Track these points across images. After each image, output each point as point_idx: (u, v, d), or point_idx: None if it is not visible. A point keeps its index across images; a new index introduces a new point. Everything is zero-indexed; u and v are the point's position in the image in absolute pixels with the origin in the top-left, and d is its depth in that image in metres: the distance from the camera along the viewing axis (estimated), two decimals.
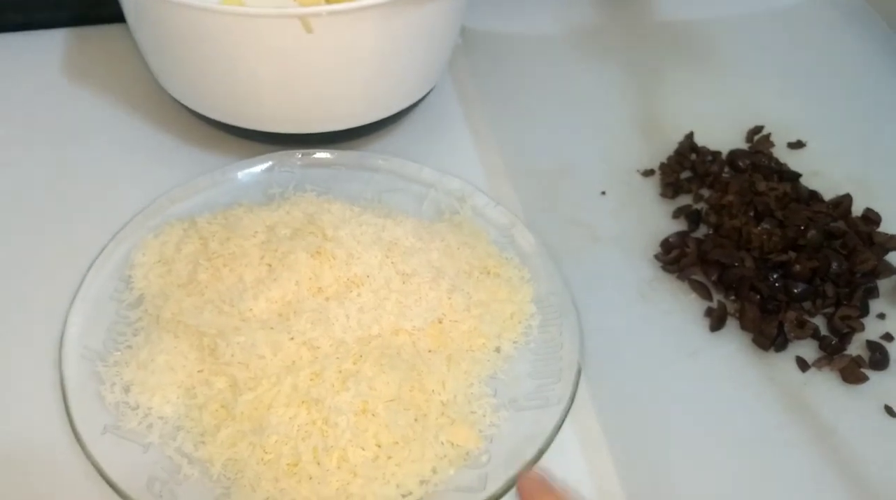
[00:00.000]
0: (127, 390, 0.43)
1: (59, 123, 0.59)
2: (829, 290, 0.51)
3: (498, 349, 0.47)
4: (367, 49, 0.50)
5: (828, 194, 0.57)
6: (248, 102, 0.53)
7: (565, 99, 0.65)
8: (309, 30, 0.47)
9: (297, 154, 0.56)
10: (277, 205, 0.51)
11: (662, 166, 0.60)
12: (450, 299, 0.47)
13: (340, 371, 0.42)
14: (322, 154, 0.56)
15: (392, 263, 0.47)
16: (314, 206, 0.51)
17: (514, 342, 0.47)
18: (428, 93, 0.59)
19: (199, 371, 0.43)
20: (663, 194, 0.58)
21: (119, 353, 0.45)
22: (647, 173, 0.60)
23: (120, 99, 0.61)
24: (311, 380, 0.42)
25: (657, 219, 0.57)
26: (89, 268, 0.48)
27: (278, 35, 0.48)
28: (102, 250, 0.49)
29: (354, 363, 0.43)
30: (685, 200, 0.58)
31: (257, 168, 0.55)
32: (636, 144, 0.62)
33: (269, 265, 0.47)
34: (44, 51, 0.64)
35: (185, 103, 0.55)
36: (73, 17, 0.66)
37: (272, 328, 0.44)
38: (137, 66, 0.61)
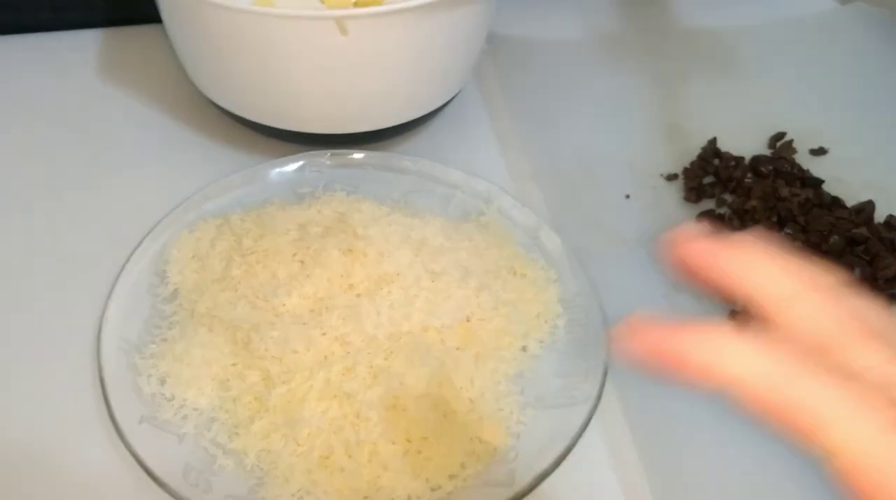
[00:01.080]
0: (163, 382, 0.44)
1: (94, 122, 0.60)
2: None
3: (524, 348, 0.48)
4: (398, 51, 0.51)
5: (850, 201, 0.58)
6: (279, 101, 0.54)
7: (589, 104, 0.66)
8: (344, 32, 0.48)
9: (327, 154, 0.57)
10: (308, 204, 0.52)
11: (686, 171, 0.61)
12: (478, 297, 0.48)
13: (371, 367, 0.43)
14: (351, 155, 0.57)
15: (421, 261, 0.48)
16: (344, 205, 0.52)
17: (541, 342, 0.48)
18: (454, 96, 0.60)
19: (233, 364, 0.44)
20: (686, 198, 0.59)
21: (155, 346, 0.46)
22: (671, 177, 0.61)
23: (154, 99, 0.62)
24: (342, 375, 0.43)
25: (681, 223, 0.57)
26: (126, 263, 0.49)
27: (313, 37, 0.49)
28: (138, 245, 0.50)
29: (385, 359, 0.44)
30: (708, 204, 0.59)
31: (288, 167, 0.56)
32: (659, 149, 0.63)
33: (302, 262, 0.48)
34: (78, 51, 0.65)
35: (218, 103, 0.56)
36: (106, 17, 0.67)
37: (305, 324, 0.45)
38: (171, 67, 0.62)
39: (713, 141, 0.63)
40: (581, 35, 0.72)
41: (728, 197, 0.59)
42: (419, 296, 0.47)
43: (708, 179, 0.60)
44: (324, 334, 0.45)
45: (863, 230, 0.55)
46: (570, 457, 0.43)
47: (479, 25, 0.57)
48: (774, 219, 0.55)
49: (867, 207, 0.57)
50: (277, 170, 0.56)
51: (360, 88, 0.53)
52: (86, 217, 0.54)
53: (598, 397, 0.45)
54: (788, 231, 0.54)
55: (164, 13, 0.54)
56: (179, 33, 0.55)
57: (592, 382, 0.45)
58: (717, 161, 0.61)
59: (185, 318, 0.47)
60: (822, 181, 0.59)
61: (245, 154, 0.58)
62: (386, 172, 0.57)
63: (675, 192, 0.60)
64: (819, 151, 0.63)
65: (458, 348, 0.46)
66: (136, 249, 0.50)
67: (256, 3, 0.58)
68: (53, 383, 0.45)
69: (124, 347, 0.46)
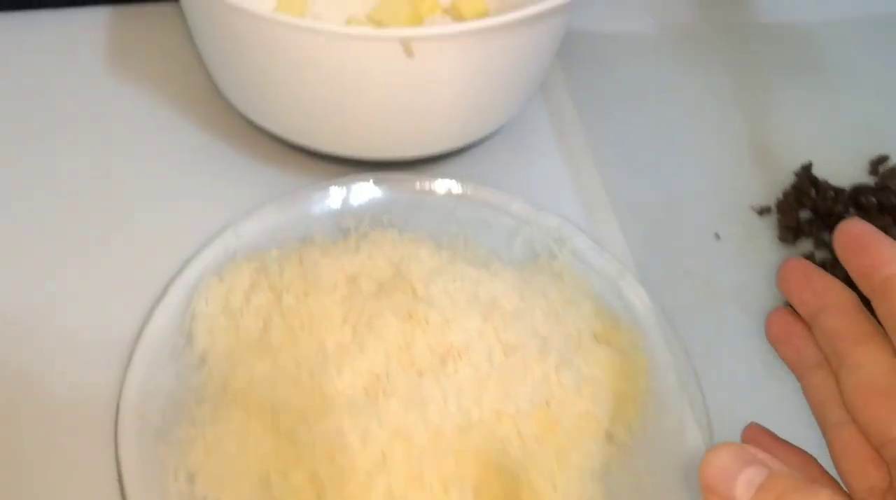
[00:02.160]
0: (192, 479, 0.37)
1: (101, 125, 0.52)
2: None
3: (610, 436, 0.41)
4: (467, 72, 0.44)
5: None
6: (322, 123, 0.46)
7: (667, 119, 0.58)
8: (410, 53, 0.40)
9: (372, 179, 0.49)
10: (356, 245, 0.45)
11: (779, 204, 0.53)
12: (558, 375, 0.41)
13: (440, 474, 0.37)
14: (399, 180, 0.49)
15: (493, 329, 0.41)
16: (398, 250, 0.44)
17: (629, 428, 0.41)
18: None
19: (274, 459, 0.38)
20: (782, 239, 0.52)
21: (182, 430, 0.39)
22: (763, 212, 0.53)
23: (170, 96, 0.53)
24: (407, 484, 0.36)
25: (776, 270, 0.50)
26: (147, 320, 0.42)
27: (372, 58, 0.41)
28: (162, 296, 0.42)
29: (456, 463, 0.37)
30: (806, 245, 0.52)
31: (329, 194, 0.48)
32: (747, 173, 0.55)
33: (353, 329, 0.40)
34: (84, 33, 0.56)
35: (250, 117, 0.49)
36: None
37: (359, 410, 0.38)
38: (190, 56, 0.54)
39: (808, 167, 0.55)
40: (660, 43, 0.63)
41: (827, 236, 0.52)
42: (491, 375, 0.40)
43: (805, 214, 0.53)
44: (381, 426, 0.38)
45: None
46: None
47: (554, 38, 0.49)
48: None
49: None
50: (317, 198, 0.48)
51: (418, 111, 0.45)
52: (90, 248, 0.46)
53: None
54: None
55: (190, 18, 0.46)
56: (208, 45, 0.47)
57: (693, 484, 0.39)
58: (813, 192, 0.54)
59: (217, 392, 0.40)
60: None
61: (278, 171, 0.51)
62: (440, 200, 0.49)
63: (768, 228, 0.52)
64: None
65: (536, 439, 0.39)
66: (158, 301, 0.42)
67: (280, 8, 0.50)
68: (64, 477, 0.38)
69: (146, 430, 0.38)
